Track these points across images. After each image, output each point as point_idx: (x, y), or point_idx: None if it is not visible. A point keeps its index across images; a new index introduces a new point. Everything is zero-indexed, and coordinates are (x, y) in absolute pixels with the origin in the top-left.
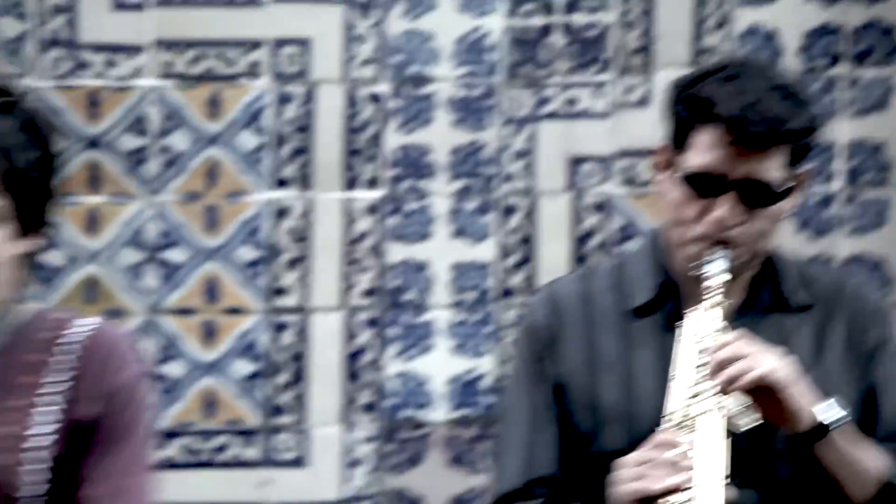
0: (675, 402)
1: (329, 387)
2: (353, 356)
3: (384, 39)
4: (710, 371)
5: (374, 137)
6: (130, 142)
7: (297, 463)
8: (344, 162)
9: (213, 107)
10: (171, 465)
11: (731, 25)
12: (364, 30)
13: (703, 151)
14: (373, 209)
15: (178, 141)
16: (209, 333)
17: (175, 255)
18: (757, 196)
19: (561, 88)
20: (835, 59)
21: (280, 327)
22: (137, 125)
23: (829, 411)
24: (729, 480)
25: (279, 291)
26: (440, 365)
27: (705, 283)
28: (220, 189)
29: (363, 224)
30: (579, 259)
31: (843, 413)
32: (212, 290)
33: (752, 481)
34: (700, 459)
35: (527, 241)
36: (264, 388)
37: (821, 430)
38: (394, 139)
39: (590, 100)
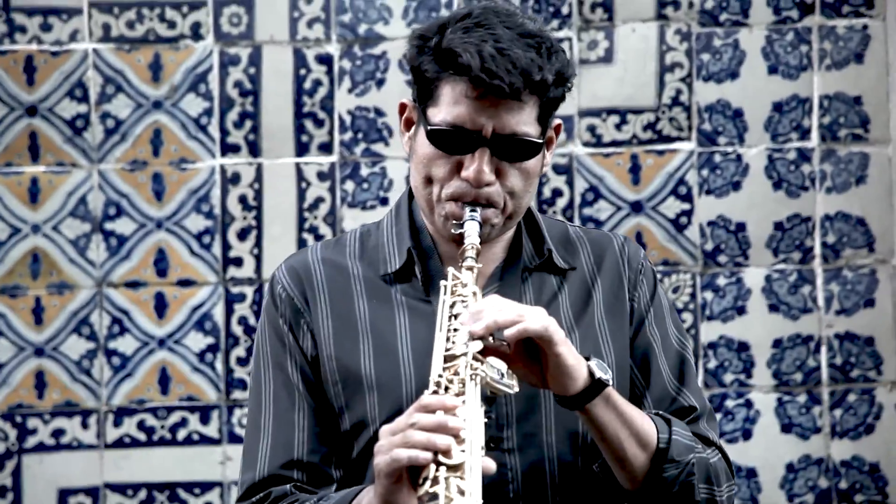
0: (434, 368)
1: None
2: None
3: None
4: (465, 323)
5: (325, 100)
6: (70, 109)
7: None
8: (294, 126)
9: (155, 70)
10: (127, 443)
11: None
12: None
13: (450, 105)
14: (326, 175)
15: (120, 107)
16: (160, 307)
17: (121, 226)
18: (509, 150)
19: None
20: (805, 10)
21: (234, 299)
22: (76, 91)
23: (601, 368)
24: (484, 450)
25: (232, 262)
26: None
27: (462, 246)
28: (165, 156)
29: (316, 191)
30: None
31: (609, 372)
32: (161, 262)
33: (522, 450)
34: (464, 426)
35: None
36: (221, 363)
37: (597, 386)
38: (345, 102)
39: None
